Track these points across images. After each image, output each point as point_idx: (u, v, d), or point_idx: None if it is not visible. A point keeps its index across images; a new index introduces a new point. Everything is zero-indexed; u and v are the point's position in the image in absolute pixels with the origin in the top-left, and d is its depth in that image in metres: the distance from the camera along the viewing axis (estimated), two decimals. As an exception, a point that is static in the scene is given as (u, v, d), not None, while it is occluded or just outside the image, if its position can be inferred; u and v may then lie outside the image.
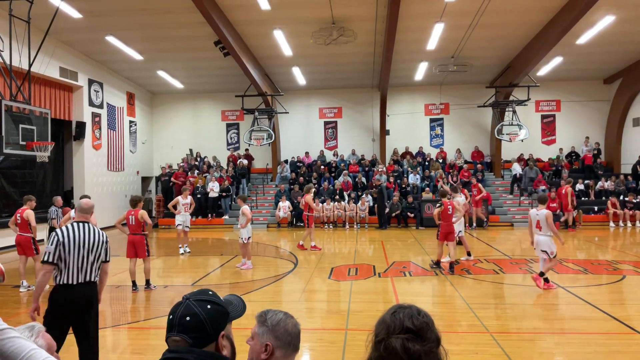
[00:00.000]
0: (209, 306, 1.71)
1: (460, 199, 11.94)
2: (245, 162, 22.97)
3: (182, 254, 13.51)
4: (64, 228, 4.66)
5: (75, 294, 4.55)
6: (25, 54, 11.95)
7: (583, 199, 19.76)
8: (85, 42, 17.63)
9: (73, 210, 9.93)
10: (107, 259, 4.87)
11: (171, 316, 1.70)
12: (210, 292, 1.79)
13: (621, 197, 18.96)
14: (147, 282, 9.44)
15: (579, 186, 19.85)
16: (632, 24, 16.28)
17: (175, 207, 13.85)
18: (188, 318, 1.66)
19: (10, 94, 11.38)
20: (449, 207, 10.72)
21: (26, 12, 11.48)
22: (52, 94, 17.63)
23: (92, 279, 4.67)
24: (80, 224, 4.70)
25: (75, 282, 4.55)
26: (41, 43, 12.23)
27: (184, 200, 13.85)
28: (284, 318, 1.95)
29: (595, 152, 22.22)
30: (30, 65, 11.97)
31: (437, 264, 10.82)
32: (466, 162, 22.68)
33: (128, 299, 9.16)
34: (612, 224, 18.35)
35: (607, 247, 14.20)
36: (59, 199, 12.14)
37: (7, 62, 11.34)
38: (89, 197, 9.73)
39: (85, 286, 4.61)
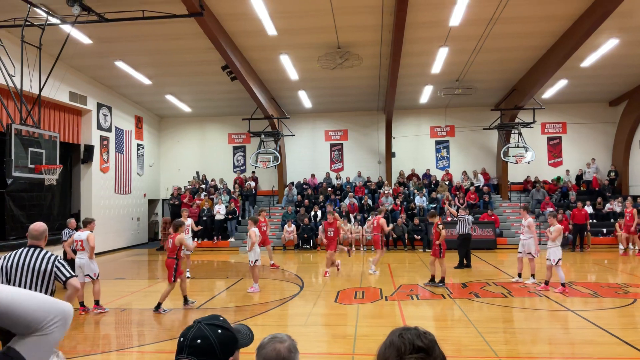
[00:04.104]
0: (219, 330, 1.72)
1: (530, 219, 11.77)
2: (253, 184, 23.06)
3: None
4: (9, 253, 4.46)
5: None
6: (36, 78, 12.19)
7: (592, 221, 19.57)
8: (95, 67, 17.93)
9: (77, 232, 9.95)
10: (67, 277, 4.45)
11: (182, 339, 1.71)
12: (221, 318, 1.81)
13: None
14: (158, 305, 9.37)
15: (588, 208, 19.66)
16: (636, 47, 16.37)
17: None
18: (199, 341, 1.68)
19: (20, 117, 11.56)
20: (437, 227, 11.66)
21: (38, 39, 11.75)
22: (61, 118, 17.86)
23: None
24: (31, 249, 4.46)
25: None
26: (51, 68, 12.48)
27: None
28: None
29: (613, 174, 22.13)
30: (40, 90, 12.19)
31: (432, 279, 11.63)
32: (472, 184, 22.58)
33: (134, 323, 9.11)
34: (621, 246, 18.13)
35: (617, 270, 14.02)
36: (72, 221, 12.20)
37: (18, 86, 11.54)
38: (93, 220, 9.79)
39: None
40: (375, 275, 13.25)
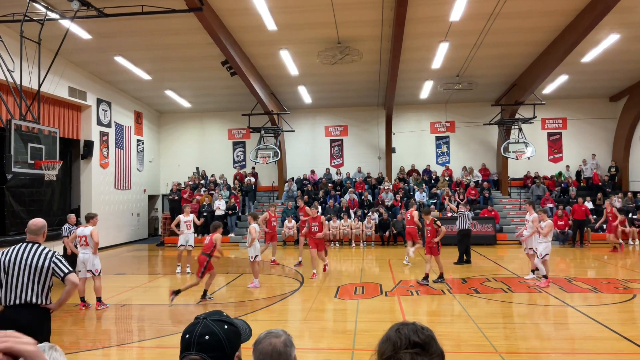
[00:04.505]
0: (226, 326, 1.73)
1: (535, 215, 11.60)
2: (252, 179, 23.06)
3: (178, 273, 13.43)
4: (7, 249, 4.45)
5: (5, 317, 4.26)
6: (35, 74, 12.15)
7: (592, 217, 19.57)
8: (94, 63, 17.88)
9: (80, 227, 9.95)
10: (65, 273, 4.44)
11: (187, 335, 1.70)
12: (224, 314, 1.82)
13: (629, 215, 18.78)
14: (176, 292, 9.52)
15: (588, 204, 19.66)
16: (637, 42, 16.33)
17: (178, 226, 13.49)
18: (207, 337, 1.68)
19: (19, 113, 11.53)
20: (426, 224, 11.49)
21: (37, 34, 11.70)
22: (61, 113, 17.83)
23: (28, 301, 4.32)
24: (29, 244, 4.44)
25: (9, 304, 4.29)
26: (51, 63, 12.44)
27: (185, 218, 13.67)
28: None
29: (613, 170, 22.15)
30: (39, 85, 12.16)
31: (426, 277, 11.28)
32: (470, 181, 22.53)
33: (134, 318, 9.13)
34: (620, 242, 18.13)
35: (617, 266, 14.03)
36: (72, 217, 12.21)
37: (18, 82, 11.51)
38: (96, 214, 9.80)
39: (14, 309, 4.29)
40: (408, 265, 13.84)
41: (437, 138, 24.12)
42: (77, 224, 13.37)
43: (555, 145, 23.49)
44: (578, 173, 22.67)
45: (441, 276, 11.36)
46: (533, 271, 11.66)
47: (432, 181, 22.75)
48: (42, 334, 4.28)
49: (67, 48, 13.55)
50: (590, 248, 17.67)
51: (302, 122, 23.98)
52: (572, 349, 6.71)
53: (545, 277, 10.79)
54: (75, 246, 11.65)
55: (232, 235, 20.39)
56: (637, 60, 18.05)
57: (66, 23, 12.87)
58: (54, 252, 4.50)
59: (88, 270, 9.45)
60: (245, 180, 23.03)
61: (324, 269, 13.00)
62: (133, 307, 9.81)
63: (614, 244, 16.86)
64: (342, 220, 19.65)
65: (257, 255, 11.14)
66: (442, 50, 16.48)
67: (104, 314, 9.10)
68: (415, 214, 14.17)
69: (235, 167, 24.64)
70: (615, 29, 15.22)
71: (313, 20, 14.52)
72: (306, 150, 24.49)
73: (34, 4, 11.62)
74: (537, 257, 10.95)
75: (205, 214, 20.35)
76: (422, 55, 17.29)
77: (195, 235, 13.84)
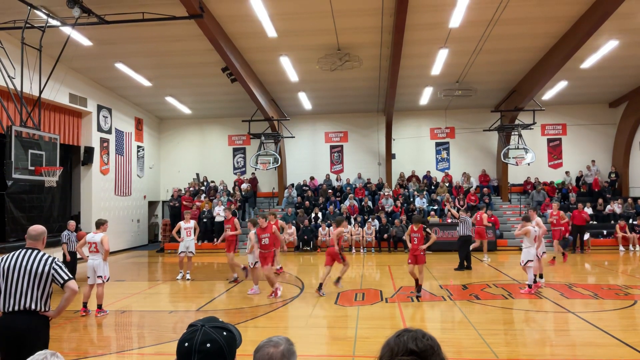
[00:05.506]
0: (224, 333, 1.72)
1: (531, 227, 11.12)
2: (249, 185, 23.02)
3: (179, 279, 13.37)
4: (7, 255, 4.43)
5: (3, 324, 4.22)
6: (36, 80, 12.19)
7: (593, 222, 19.58)
8: (95, 69, 17.94)
9: (88, 234, 9.92)
10: (65, 279, 4.41)
11: (186, 343, 1.68)
12: (219, 320, 1.80)
13: (630, 221, 18.77)
14: (338, 279, 11.21)
15: (588, 210, 19.65)
16: (636, 48, 16.38)
17: (179, 232, 13.39)
18: (209, 345, 1.66)
19: (20, 119, 11.55)
20: (414, 231, 10.74)
21: (38, 41, 11.76)
22: (62, 120, 17.86)
23: (27, 307, 4.27)
24: (28, 250, 4.42)
25: (8, 310, 4.25)
26: (52, 70, 12.49)
27: (186, 225, 13.62)
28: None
29: (613, 176, 22.15)
30: (40, 92, 12.19)
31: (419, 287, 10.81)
32: (470, 187, 22.48)
33: (134, 325, 9.10)
34: (621, 247, 18.13)
35: (617, 272, 14.00)
36: (72, 223, 12.20)
37: (18, 88, 11.55)
38: (106, 221, 9.75)
39: (13, 316, 4.25)
40: (487, 261, 15.29)
41: (437, 144, 24.15)
42: (77, 230, 13.38)
43: (555, 151, 23.50)
44: (578, 179, 22.68)
45: (420, 287, 10.77)
46: (541, 275, 11.58)
47: (432, 187, 22.75)
48: (40, 340, 4.25)
49: (68, 55, 13.60)
50: (591, 254, 17.63)
51: (302, 128, 24.01)
52: (573, 355, 6.69)
53: (529, 285, 10.67)
54: (71, 252, 11.64)
55: (232, 241, 20.33)
56: (636, 66, 18.10)
57: (67, 30, 12.93)
58: (54, 258, 4.48)
59: (99, 277, 9.41)
60: (242, 186, 23.01)
61: (275, 294, 10.64)
62: (133, 313, 9.78)
63: (555, 253, 15.22)
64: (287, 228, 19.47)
65: (256, 262, 11.12)
66: (442, 56, 16.53)
67: (104, 320, 9.08)
68: (485, 216, 15.75)
69: (235, 174, 24.63)
70: (614, 35, 15.27)
71: (313, 27, 14.57)
72: (306, 157, 24.50)
73: (35, 11, 11.68)
74: (520, 263, 11.02)
75: (205, 220, 20.35)
76: (422, 62, 17.34)
77: (196, 242, 13.80)
